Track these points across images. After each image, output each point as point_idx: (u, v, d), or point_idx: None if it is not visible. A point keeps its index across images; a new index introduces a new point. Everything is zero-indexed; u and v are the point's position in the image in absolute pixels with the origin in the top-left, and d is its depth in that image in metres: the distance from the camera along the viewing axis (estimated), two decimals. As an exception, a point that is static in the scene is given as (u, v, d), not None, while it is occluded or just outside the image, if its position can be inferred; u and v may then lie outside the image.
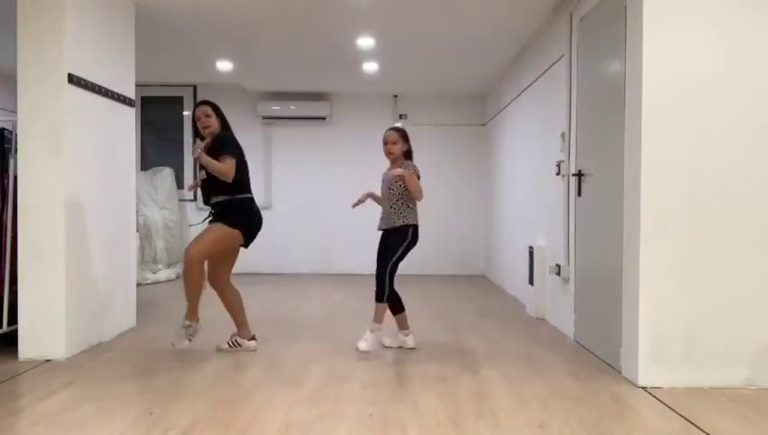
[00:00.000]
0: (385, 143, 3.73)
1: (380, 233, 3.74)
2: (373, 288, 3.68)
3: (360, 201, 3.85)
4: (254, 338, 3.80)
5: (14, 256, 3.62)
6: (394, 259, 3.62)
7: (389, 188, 3.70)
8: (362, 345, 3.56)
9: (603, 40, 3.65)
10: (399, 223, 3.64)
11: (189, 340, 3.54)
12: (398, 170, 3.56)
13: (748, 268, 3.03)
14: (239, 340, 3.77)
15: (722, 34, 3.02)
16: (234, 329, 3.80)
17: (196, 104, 3.71)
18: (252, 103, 7.64)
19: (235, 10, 4.69)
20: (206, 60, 6.26)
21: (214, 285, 3.71)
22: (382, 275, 3.63)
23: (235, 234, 3.54)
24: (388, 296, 3.63)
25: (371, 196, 3.86)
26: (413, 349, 3.78)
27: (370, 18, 4.88)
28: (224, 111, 3.70)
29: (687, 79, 3.02)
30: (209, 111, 3.62)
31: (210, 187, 3.58)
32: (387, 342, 3.83)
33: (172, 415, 2.59)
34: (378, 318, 3.64)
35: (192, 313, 3.55)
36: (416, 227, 3.69)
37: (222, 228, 3.53)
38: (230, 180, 3.48)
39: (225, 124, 3.68)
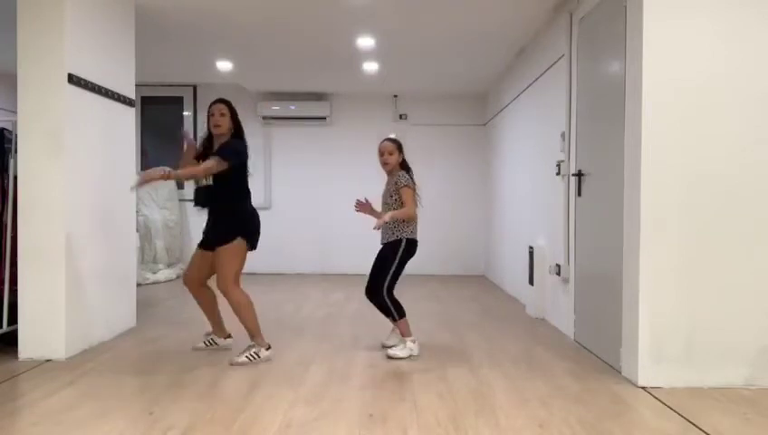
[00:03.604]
0: (381, 154, 3.71)
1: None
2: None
3: (361, 204, 3.83)
4: (229, 336, 3.83)
5: (14, 256, 3.62)
6: (388, 278, 3.60)
7: (385, 203, 3.72)
8: (398, 352, 3.56)
9: (603, 40, 3.65)
10: (393, 238, 3.64)
11: (250, 359, 3.45)
12: (388, 216, 3.51)
13: (748, 268, 3.03)
14: (215, 338, 3.80)
15: (722, 34, 3.02)
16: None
17: (214, 101, 3.59)
18: (252, 103, 7.64)
19: (236, 10, 4.69)
20: (206, 60, 6.26)
21: (188, 282, 3.67)
22: (381, 298, 3.61)
23: (239, 245, 3.46)
24: (397, 312, 3.62)
25: (371, 209, 3.82)
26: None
27: (370, 18, 4.88)
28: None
29: (688, 79, 3.02)
30: (224, 109, 3.53)
31: (212, 189, 3.51)
32: (388, 342, 3.83)
33: (172, 415, 2.59)
34: (405, 333, 3.63)
35: (255, 335, 3.51)
36: (411, 241, 3.65)
37: (226, 250, 3.44)
38: (200, 177, 3.44)
39: (237, 128, 3.59)
